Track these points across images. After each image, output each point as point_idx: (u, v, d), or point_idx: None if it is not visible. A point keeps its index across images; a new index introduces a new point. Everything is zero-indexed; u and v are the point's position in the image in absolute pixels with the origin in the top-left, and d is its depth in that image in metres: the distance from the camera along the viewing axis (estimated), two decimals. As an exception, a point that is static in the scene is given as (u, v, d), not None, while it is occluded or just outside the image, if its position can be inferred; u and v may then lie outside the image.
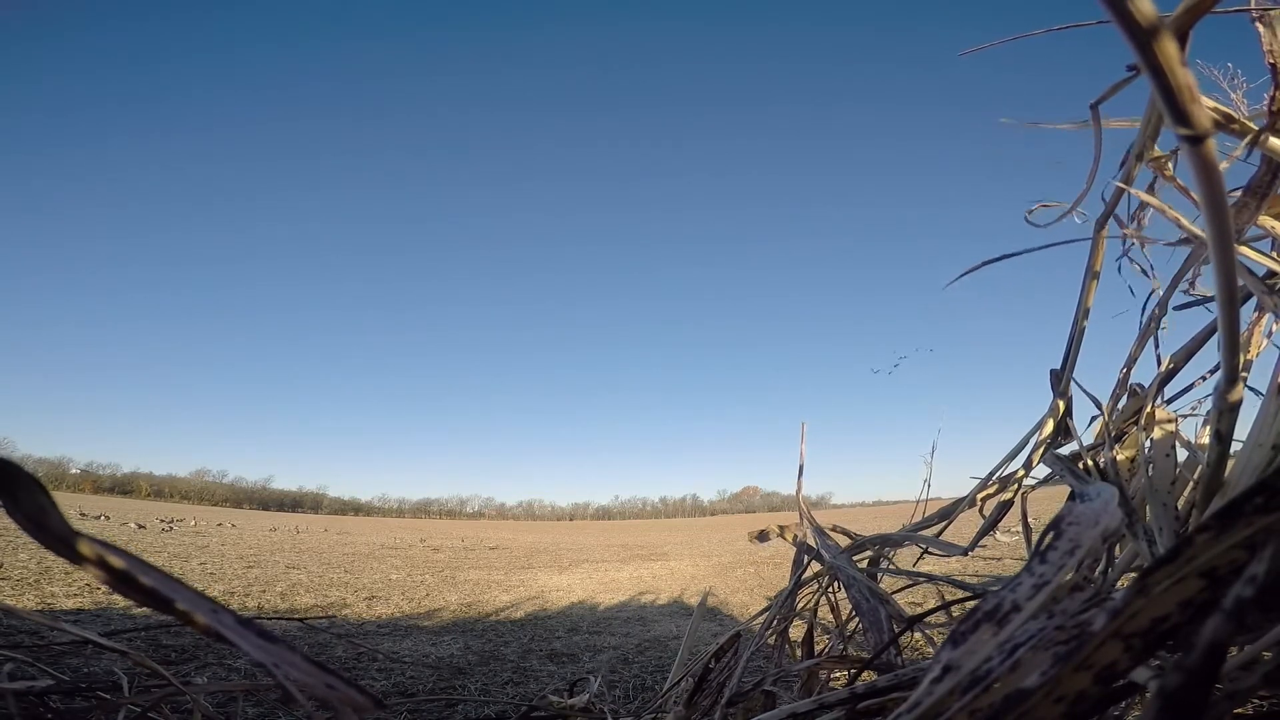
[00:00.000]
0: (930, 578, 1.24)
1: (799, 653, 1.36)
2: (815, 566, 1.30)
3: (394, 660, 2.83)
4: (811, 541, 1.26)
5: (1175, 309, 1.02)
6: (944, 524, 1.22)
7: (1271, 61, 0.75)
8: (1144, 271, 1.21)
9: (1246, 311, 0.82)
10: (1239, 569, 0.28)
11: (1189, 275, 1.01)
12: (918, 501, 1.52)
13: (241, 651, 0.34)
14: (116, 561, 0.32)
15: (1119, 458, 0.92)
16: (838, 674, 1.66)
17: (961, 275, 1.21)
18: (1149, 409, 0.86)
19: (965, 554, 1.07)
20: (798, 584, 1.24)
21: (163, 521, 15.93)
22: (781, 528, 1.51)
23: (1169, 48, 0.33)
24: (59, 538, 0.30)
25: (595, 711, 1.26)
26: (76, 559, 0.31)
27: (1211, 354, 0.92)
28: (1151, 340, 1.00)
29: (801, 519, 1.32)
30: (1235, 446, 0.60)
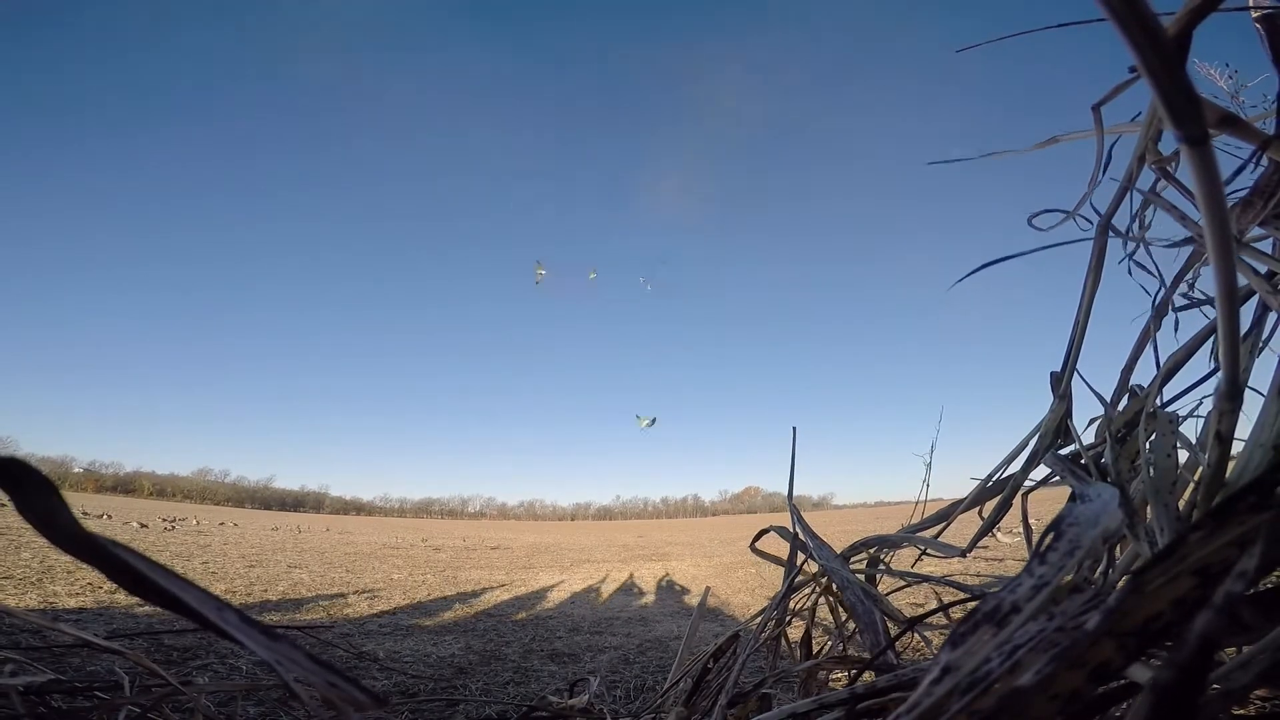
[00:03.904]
0: (930, 579, 1.24)
1: (799, 653, 1.36)
2: (813, 567, 1.30)
3: (395, 660, 2.83)
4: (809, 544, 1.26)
5: (1175, 309, 1.02)
6: (943, 525, 1.22)
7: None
8: (1151, 268, 1.20)
9: (1247, 311, 0.82)
10: (1231, 566, 0.28)
11: (1190, 276, 1.01)
12: (917, 502, 1.52)
13: (246, 649, 0.34)
14: (124, 560, 0.32)
15: (1119, 458, 0.91)
16: (837, 674, 1.66)
17: (964, 278, 1.21)
18: (1149, 409, 0.85)
19: (963, 555, 1.06)
20: (790, 588, 1.24)
21: (165, 521, 15.96)
22: (774, 528, 1.51)
23: (1168, 49, 0.33)
24: (68, 537, 0.30)
25: (595, 712, 1.26)
26: (85, 558, 0.31)
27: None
28: (1151, 341, 1.00)
29: (793, 523, 1.32)
30: (1236, 447, 0.60)
